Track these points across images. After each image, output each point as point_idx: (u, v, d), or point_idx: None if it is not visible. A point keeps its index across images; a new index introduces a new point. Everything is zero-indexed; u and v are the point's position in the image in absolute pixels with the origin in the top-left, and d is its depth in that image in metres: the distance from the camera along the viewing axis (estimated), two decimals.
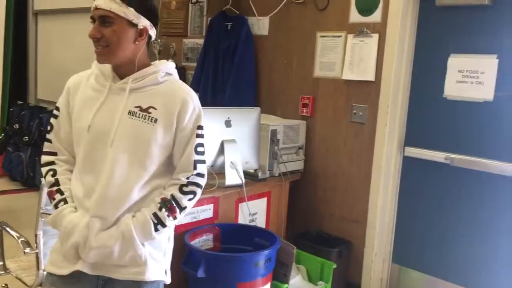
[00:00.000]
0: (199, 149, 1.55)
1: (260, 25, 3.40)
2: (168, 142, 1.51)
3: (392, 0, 2.75)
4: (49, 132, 1.60)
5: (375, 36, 2.82)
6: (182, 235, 2.30)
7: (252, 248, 2.42)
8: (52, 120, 1.59)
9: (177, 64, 3.89)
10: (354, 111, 2.94)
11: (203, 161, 1.56)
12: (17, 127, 5.22)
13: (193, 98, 1.54)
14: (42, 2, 5.42)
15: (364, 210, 2.92)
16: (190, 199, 1.54)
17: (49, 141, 1.60)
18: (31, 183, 5.00)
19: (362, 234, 2.93)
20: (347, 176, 3.01)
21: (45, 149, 1.60)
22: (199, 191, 1.56)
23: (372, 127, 2.87)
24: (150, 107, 1.48)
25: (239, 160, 2.58)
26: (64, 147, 1.58)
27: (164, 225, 1.50)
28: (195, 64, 3.71)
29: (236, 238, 2.49)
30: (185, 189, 1.52)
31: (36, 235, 2.06)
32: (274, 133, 2.84)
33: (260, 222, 2.80)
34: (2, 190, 5.05)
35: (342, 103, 3.01)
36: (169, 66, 1.57)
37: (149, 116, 1.48)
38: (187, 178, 1.53)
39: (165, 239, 1.60)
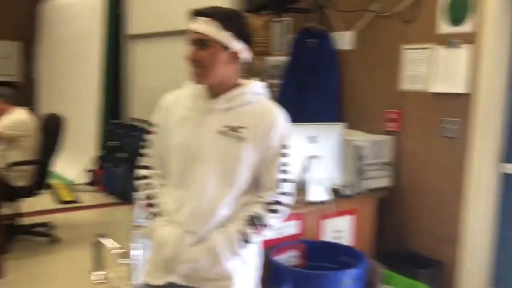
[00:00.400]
0: (285, 168, 1.57)
1: (344, 39, 3.38)
2: (256, 161, 1.55)
3: (487, 9, 2.61)
4: (144, 147, 1.70)
5: (466, 47, 2.68)
6: (266, 250, 2.31)
7: (338, 266, 2.38)
8: (147, 136, 1.69)
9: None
10: (445, 125, 2.81)
11: (289, 180, 1.58)
12: (114, 144, 5.59)
13: (281, 117, 1.57)
14: (136, 27, 5.79)
15: (457, 230, 2.76)
16: (274, 218, 1.56)
17: (144, 156, 1.69)
18: (126, 197, 5.30)
19: (454, 254, 2.77)
20: (438, 193, 2.87)
21: (140, 164, 1.70)
22: (284, 210, 1.58)
23: (464, 142, 2.72)
24: (239, 126, 1.53)
25: (323, 176, 2.56)
26: (158, 162, 1.66)
27: (249, 242, 1.54)
28: (278, 82, 3.75)
29: (321, 256, 2.46)
30: (269, 207, 1.55)
31: (129, 247, 2.18)
32: (359, 148, 2.79)
33: (346, 239, 2.74)
34: (101, 203, 5.41)
35: (431, 117, 2.88)
36: (258, 86, 1.62)
37: (238, 136, 1.52)
38: (272, 196, 1.55)
39: (253, 254, 1.63)
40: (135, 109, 5.91)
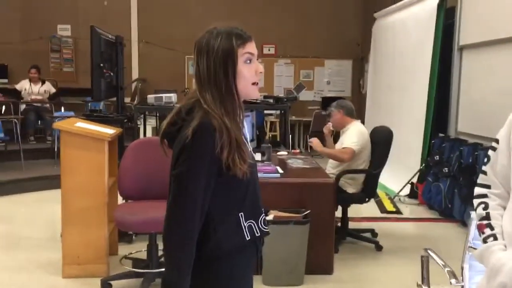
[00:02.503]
0: None
1: None
2: None
3: None
4: (485, 164, 1.60)
5: None
6: None
7: None
8: (490, 152, 1.59)
9: None
10: None
11: None
12: (437, 158, 5.45)
13: None
14: (467, 36, 5.52)
15: None
16: None
17: (484, 173, 1.60)
18: (448, 213, 5.10)
19: None
20: None
21: (479, 181, 1.62)
22: None
23: None
24: None
25: None
26: (499, 181, 1.54)
27: None
28: None
29: None
30: None
31: (462, 268, 2.06)
32: None
33: None
34: (420, 217, 5.37)
35: None
36: None
37: None
38: None
39: None
40: (463, 122, 5.63)
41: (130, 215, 3.23)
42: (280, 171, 3.71)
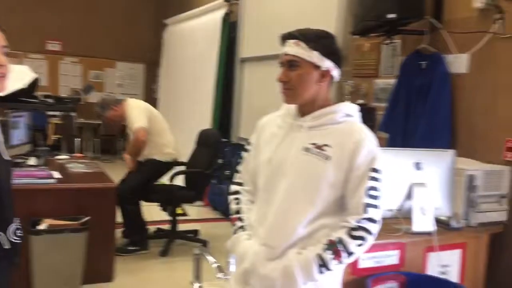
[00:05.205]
0: (372, 192, 1.49)
1: (459, 62, 3.18)
2: (339, 181, 1.50)
3: None
4: (240, 164, 1.75)
5: None
6: (363, 279, 2.23)
7: None
8: (244, 154, 1.75)
9: (367, 104, 3.90)
10: None
11: (376, 206, 1.49)
12: (221, 162, 5.80)
13: (370, 139, 1.52)
14: (247, 50, 6.01)
15: None
16: (358, 245, 1.48)
17: (239, 172, 1.76)
18: (228, 212, 5.45)
19: None
20: None
21: (234, 180, 1.78)
22: (369, 238, 1.49)
23: None
24: (325, 144, 1.51)
25: (429, 206, 2.41)
26: (250, 179, 1.71)
27: (328, 268, 1.48)
28: (385, 105, 3.64)
29: None
30: (353, 233, 1.47)
31: (227, 262, 2.22)
32: (471, 178, 2.58)
33: (453, 276, 2.54)
34: (206, 218, 5.63)
35: None
36: (350, 107, 1.59)
37: (323, 154, 1.50)
38: (357, 222, 1.48)
39: (332, 282, 1.57)
40: (244, 128, 6.10)
41: None
42: (57, 176, 3.47)
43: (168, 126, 4.55)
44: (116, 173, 4.29)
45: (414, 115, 3.37)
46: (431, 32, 3.33)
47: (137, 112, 4.20)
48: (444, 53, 3.26)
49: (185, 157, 4.71)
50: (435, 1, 3.31)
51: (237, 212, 1.70)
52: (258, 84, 5.81)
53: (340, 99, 3.94)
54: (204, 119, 6.35)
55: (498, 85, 2.96)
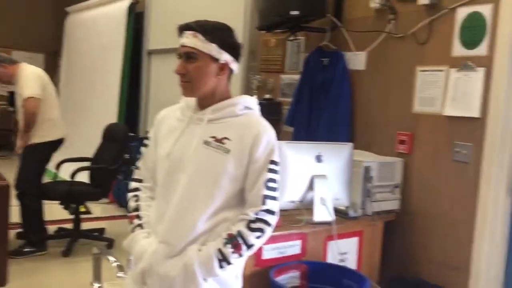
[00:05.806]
0: (271, 184, 1.50)
1: (357, 60, 3.35)
2: (240, 175, 1.50)
3: (500, 32, 2.56)
4: (139, 160, 1.69)
5: (481, 70, 2.63)
6: (267, 270, 2.27)
7: None
8: (142, 149, 1.69)
9: (274, 99, 3.98)
10: (457, 149, 2.74)
11: (274, 198, 1.51)
12: (128, 157, 5.60)
13: (268, 132, 1.53)
14: (154, 42, 5.87)
15: (467, 258, 2.67)
16: (257, 237, 1.49)
17: (138, 168, 1.69)
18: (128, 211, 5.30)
19: (464, 284, 2.67)
20: (448, 219, 2.78)
21: (133, 176, 1.70)
22: (267, 230, 1.51)
23: (477, 167, 2.65)
24: (224, 138, 1.50)
25: (329, 197, 2.52)
26: (150, 175, 1.65)
27: (228, 263, 1.47)
28: (291, 100, 3.74)
29: (324, 278, 2.40)
30: (252, 225, 1.48)
31: (128, 260, 2.15)
32: (367, 170, 2.74)
33: (350, 262, 2.67)
34: (112, 215, 5.42)
35: (443, 140, 2.82)
36: (249, 100, 1.59)
37: (222, 147, 1.49)
38: (256, 214, 1.48)
39: (232, 276, 1.57)
40: (150, 122, 5.95)
41: None
42: None
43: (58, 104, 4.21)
44: (13, 170, 3.98)
45: (317, 110, 3.50)
46: (332, 30, 3.47)
47: (31, 78, 3.80)
48: (344, 50, 3.41)
49: (90, 153, 4.50)
50: (336, 1, 3.46)
51: (135, 209, 1.63)
52: (166, 77, 5.69)
53: (248, 93, 3.98)
54: (110, 113, 6.09)
55: (390, 82, 3.16)
